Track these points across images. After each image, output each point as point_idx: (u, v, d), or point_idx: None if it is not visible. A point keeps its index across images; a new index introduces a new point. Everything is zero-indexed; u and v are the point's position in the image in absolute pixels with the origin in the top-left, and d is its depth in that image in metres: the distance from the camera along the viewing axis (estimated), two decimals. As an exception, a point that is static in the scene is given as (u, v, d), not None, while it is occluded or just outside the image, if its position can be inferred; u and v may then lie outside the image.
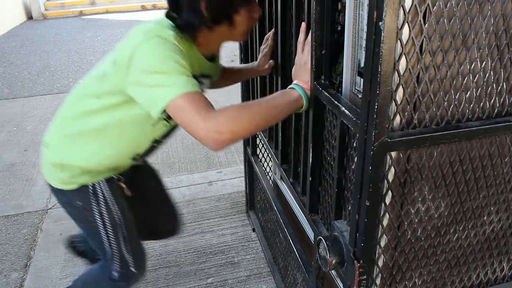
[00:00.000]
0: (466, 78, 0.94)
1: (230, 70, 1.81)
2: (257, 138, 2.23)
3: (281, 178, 2.00)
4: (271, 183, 2.17)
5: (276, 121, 1.43)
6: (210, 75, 1.55)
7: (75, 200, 1.57)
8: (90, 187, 1.54)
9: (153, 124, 1.44)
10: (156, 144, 1.57)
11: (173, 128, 1.55)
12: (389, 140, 0.88)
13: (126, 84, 1.28)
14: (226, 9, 1.32)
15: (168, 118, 1.40)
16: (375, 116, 0.85)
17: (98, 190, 1.54)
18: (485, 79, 0.97)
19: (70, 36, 8.12)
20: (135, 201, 1.73)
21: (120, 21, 9.29)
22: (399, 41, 0.84)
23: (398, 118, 0.91)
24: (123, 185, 1.64)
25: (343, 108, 1.01)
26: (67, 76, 5.91)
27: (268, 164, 2.42)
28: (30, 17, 9.95)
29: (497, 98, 1.00)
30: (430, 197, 1.05)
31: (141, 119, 1.40)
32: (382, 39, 0.79)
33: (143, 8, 10.46)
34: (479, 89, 0.97)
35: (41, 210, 3.01)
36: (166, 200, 1.95)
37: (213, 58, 1.54)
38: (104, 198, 1.56)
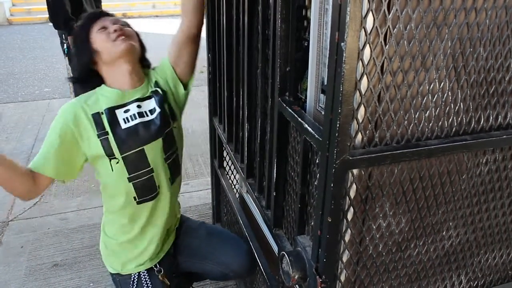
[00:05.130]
0: (425, 98, 0.97)
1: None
2: (224, 151, 2.22)
3: (247, 191, 2.00)
4: (237, 196, 2.16)
5: None
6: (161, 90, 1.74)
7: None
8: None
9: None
10: (136, 179, 1.66)
11: (135, 159, 1.64)
12: (350, 158, 0.90)
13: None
14: (82, 45, 1.62)
15: (110, 156, 1.59)
16: (337, 134, 0.86)
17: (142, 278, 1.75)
18: (444, 99, 0.99)
19: (37, 43, 7.96)
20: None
21: (88, 29, 9.14)
22: (360, 61, 0.86)
23: (359, 136, 0.93)
24: (161, 278, 1.79)
25: (306, 126, 1.03)
26: (32, 84, 5.79)
27: (234, 177, 2.41)
28: (-6, 22, 9.72)
29: (454, 118, 1.03)
30: (391, 213, 1.07)
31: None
32: (344, 59, 0.81)
33: (113, 17, 10.32)
34: (438, 108, 1.00)
35: (1, 222, 2.92)
36: (218, 246, 1.96)
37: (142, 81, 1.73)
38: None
